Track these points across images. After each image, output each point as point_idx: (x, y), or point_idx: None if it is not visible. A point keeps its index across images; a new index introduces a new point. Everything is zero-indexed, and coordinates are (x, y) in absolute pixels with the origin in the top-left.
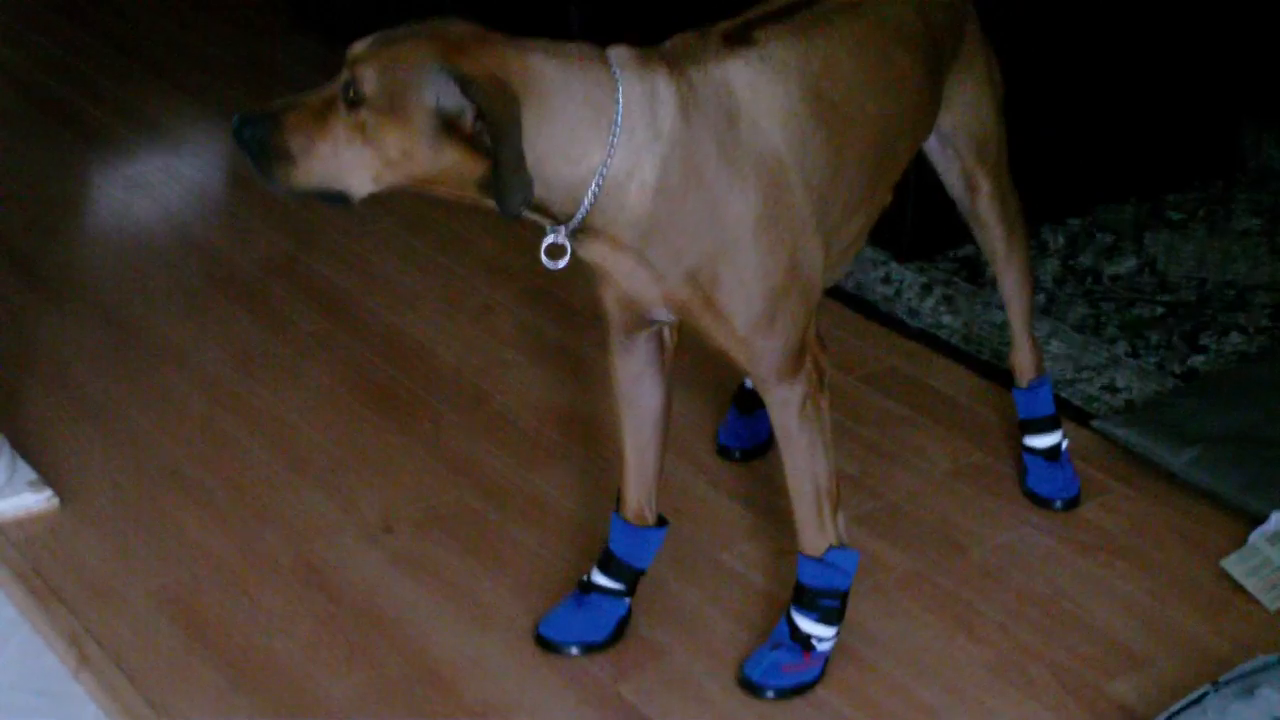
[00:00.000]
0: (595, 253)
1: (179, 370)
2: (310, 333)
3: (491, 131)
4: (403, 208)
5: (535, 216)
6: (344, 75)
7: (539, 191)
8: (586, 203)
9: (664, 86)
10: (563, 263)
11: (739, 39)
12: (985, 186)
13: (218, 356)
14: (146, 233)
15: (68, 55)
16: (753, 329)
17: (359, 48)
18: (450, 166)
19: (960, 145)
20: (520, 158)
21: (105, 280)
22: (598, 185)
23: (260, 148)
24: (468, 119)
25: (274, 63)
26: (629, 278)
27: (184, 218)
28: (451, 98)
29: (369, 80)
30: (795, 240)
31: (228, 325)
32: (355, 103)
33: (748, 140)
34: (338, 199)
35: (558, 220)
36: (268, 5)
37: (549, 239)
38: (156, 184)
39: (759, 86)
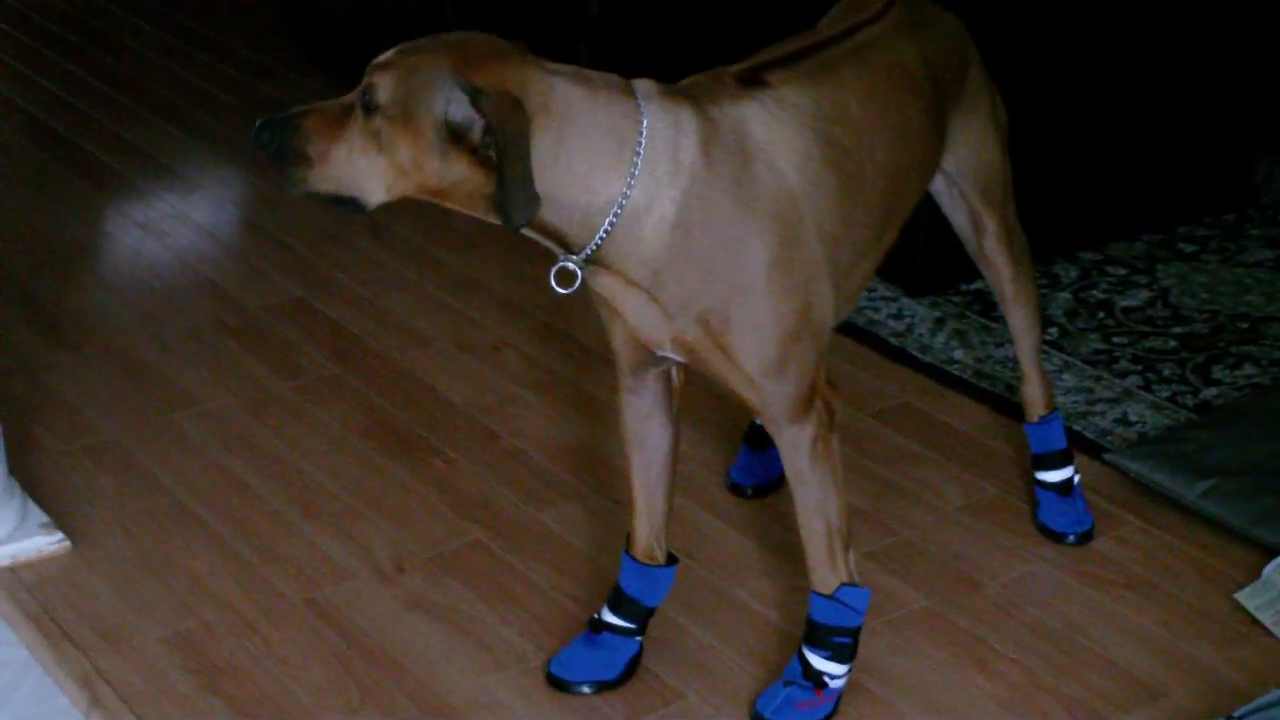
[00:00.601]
0: (605, 286)
1: (190, 414)
2: (320, 376)
3: (498, 145)
4: (413, 248)
5: (548, 243)
6: (363, 82)
7: (553, 217)
8: (602, 233)
9: (687, 121)
10: (572, 289)
11: (753, 81)
12: (991, 226)
13: (228, 400)
14: (157, 276)
15: (76, 98)
16: (764, 373)
17: (381, 57)
18: (459, 179)
19: (966, 186)
20: (527, 173)
21: (116, 324)
22: (615, 216)
23: (279, 150)
24: (476, 132)
25: (282, 103)
26: (638, 315)
27: (195, 261)
28: (461, 109)
29: (384, 88)
30: (808, 284)
31: (238, 368)
32: (371, 110)
33: (765, 181)
34: (352, 205)
35: (570, 248)
36: (273, 46)
37: (560, 264)
38: (167, 228)
39: (775, 128)
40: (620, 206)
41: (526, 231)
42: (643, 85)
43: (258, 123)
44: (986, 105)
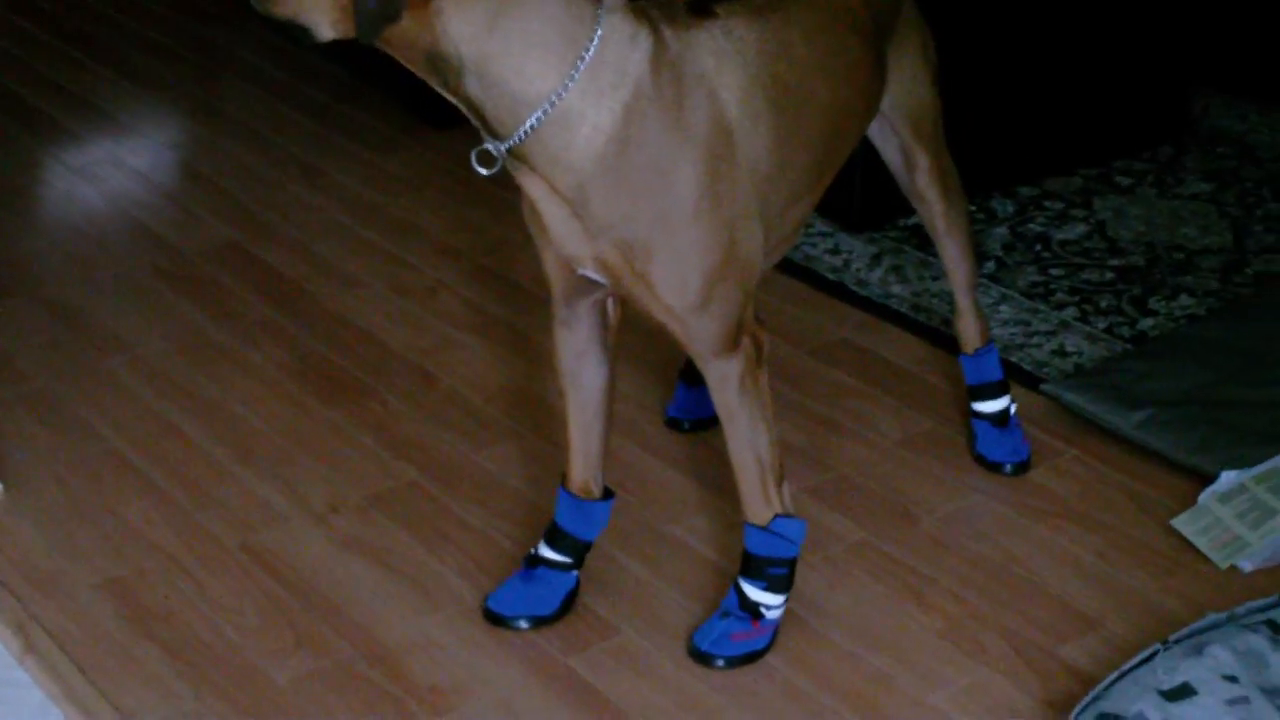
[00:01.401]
0: (532, 187)
1: (123, 360)
2: (256, 320)
3: None
4: (349, 193)
5: (475, 120)
6: None
7: (478, 91)
8: (528, 125)
9: (644, 39)
10: (492, 170)
11: (701, 12)
12: (924, 162)
13: (163, 346)
14: (91, 222)
15: (8, 43)
16: (686, 308)
17: None
18: (393, 27)
19: (898, 122)
20: None
21: (49, 270)
22: (544, 112)
23: None
24: None
25: (225, 48)
26: (560, 227)
27: (128, 206)
28: None
29: None
30: (736, 220)
31: (173, 314)
32: None
33: (704, 109)
34: (305, 34)
35: (494, 133)
36: None
37: (483, 146)
38: (102, 173)
39: (720, 59)
40: (551, 104)
41: (454, 101)
42: None
43: None
44: (918, 42)
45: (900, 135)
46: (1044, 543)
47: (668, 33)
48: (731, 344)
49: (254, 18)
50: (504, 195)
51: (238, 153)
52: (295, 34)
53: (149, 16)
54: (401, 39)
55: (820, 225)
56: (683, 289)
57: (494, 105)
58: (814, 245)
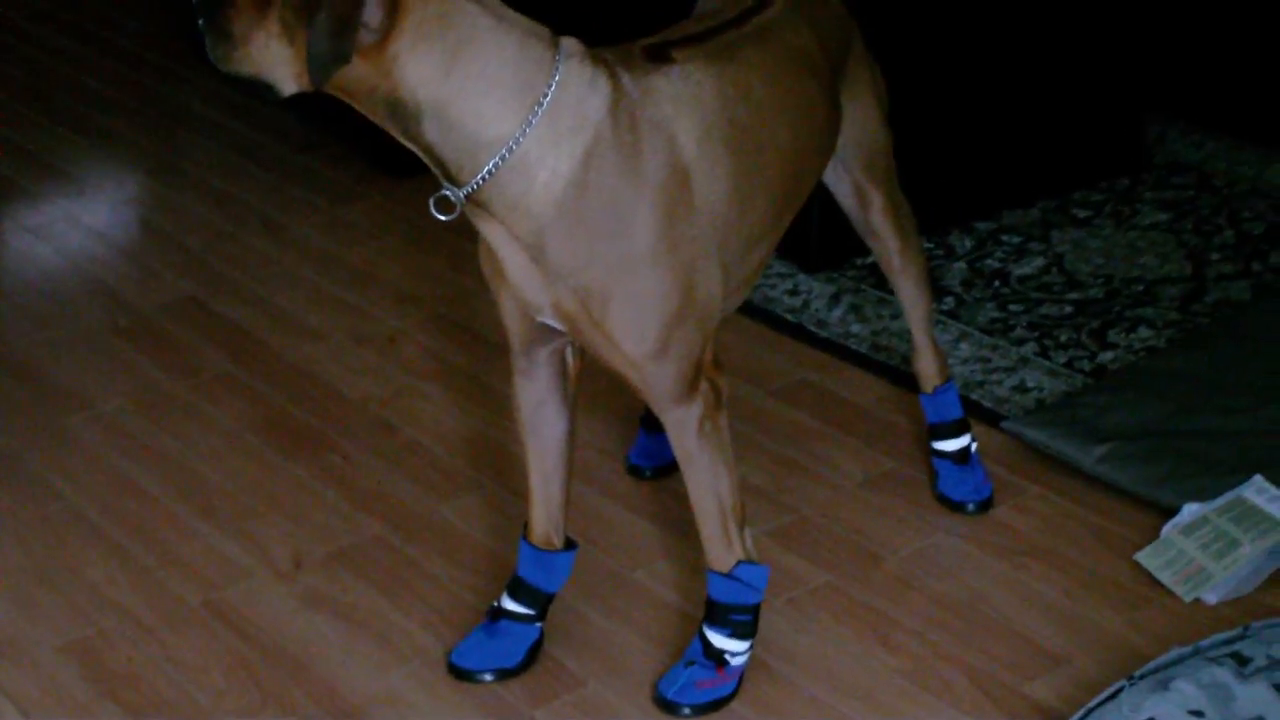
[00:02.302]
0: (491, 234)
1: (84, 418)
2: (215, 375)
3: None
4: (307, 245)
5: (434, 168)
6: None
7: (435, 135)
8: (485, 171)
9: (602, 83)
10: (450, 217)
11: (658, 57)
12: (877, 199)
13: (123, 403)
14: (49, 280)
15: None
16: (644, 355)
17: None
18: (350, 73)
19: (850, 160)
20: (336, 24)
21: (7, 329)
22: (502, 157)
23: (210, 25)
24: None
25: (180, 102)
26: (520, 273)
27: (86, 263)
28: None
29: None
30: (693, 265)
31: (133, 371)
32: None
33: (663, 154)
34: (269, 90)
35: (453, 179)
36: (165, 44)
37: (441, 193)
38: (59, 231)
39: (679, 104)
40: (509, 149)
41: (413, 148)
42: (567, 42)
43: None
44: (868, 80)
45: (853, 174)
46: (1008, 580)
47: (625, 78)
48: (690, 390)
49: (209, 73)
50: (463, 244)
51: (195, 207)
52: (259, 90)
53: (103, 73)
54: (360, 86)
55: (778, 265)
56: (640, 335)
57: (453, 150)
58: (773, 286)
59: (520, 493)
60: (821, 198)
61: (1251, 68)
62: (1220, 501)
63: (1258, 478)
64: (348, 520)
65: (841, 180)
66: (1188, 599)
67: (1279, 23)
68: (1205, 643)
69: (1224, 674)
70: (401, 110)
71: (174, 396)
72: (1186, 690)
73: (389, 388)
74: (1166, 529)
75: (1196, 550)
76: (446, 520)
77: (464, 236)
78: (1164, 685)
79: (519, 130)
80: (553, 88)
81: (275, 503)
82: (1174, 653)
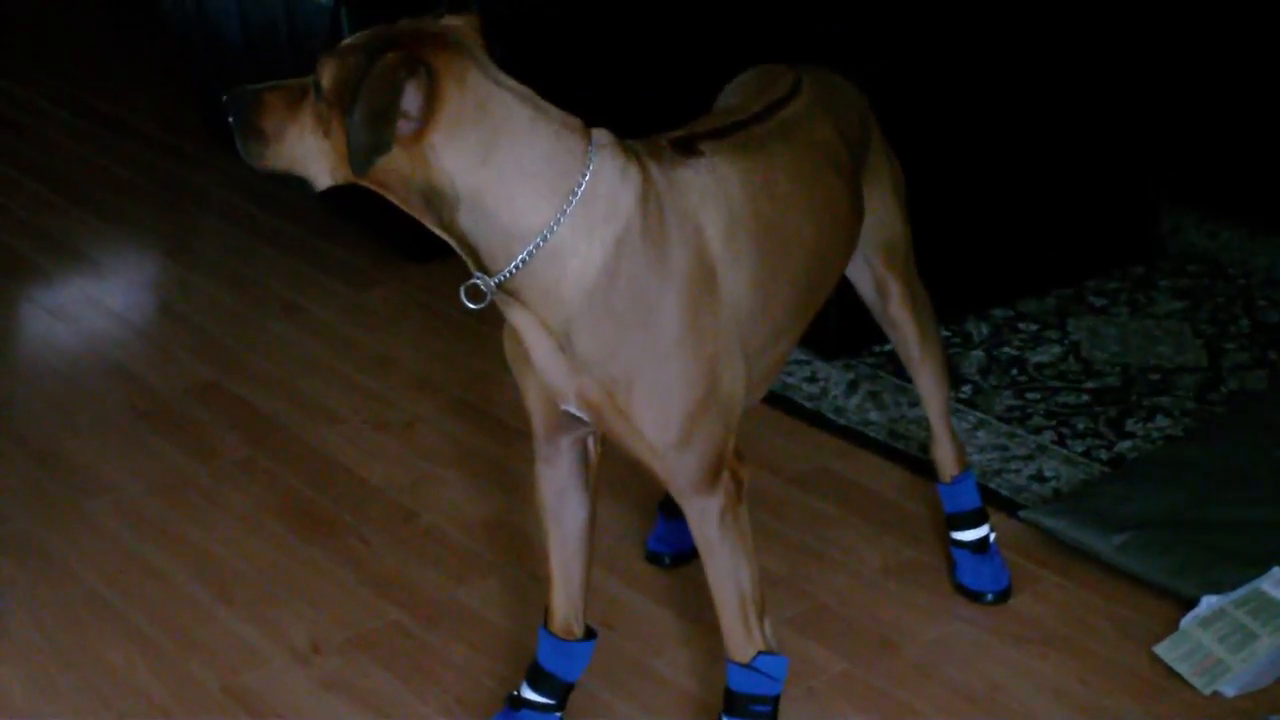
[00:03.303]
0: (519, 320)
1: (103, 502)
2: (234, 459)
3: (355, 82)
4: (326, 329)
5: (466, 258)
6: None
7: (470, 224)
8: (519, 260)
9: (633, 174)
10: (481, 305)
11: (687, 149)
12: (896, 289)
13: (141, 487)
14: (68, 363)
15: None
16: (668, 445)
17: (345, 41)
18: (387, 165)
19: (870, 251)
20: (375, 114)
21: (27, 413)
22: (536, 247)
23: (241, 124)
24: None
25: (198, 185)
26: (545, 361)
27: (105, 346)
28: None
29: (326, 72)
30: (717, 357)
31: (151, 455)
32: (319, 94)
33: (691, 245)
34: (303, 184)
35: (485, 268)
36: (182, 126)
37: (472, 281)
38: (77, 313)
39: (705, 197)
40: (544, 239)
41: (446, 238)
42: (599, 133)
43: (225, 95)
44: (887, 171)
45: (872, 264)
46: (1027, 670)
47: (654, 169)
48: (712, 480)
49: (227, 156)
50: (481, 329)
51: (214, 290)
52: (296, 183)
53: (122, 156)
54: (396, 176)
55: (797, 352)
56: (664, 425)
57: (486, 239)
58: (791, 373)
59: (539, 577)
60: (841, 286)
61: (1266, 158)
62: (1238, 594)
63: (1276, 570)
64: (366, 605)
65: (861, 270)
66: (1206, 691)
67: None
68: None
69: None
70: (437, 199)
71: (193, 480)
72: None
73: (408, 473)
74: (1185, 621)
75: (1214, 643)
76: (465, 605)
77: (482, 322)
78: None
79: (553, 219)
80: (587, 178)
81: (294, 587)
82: None
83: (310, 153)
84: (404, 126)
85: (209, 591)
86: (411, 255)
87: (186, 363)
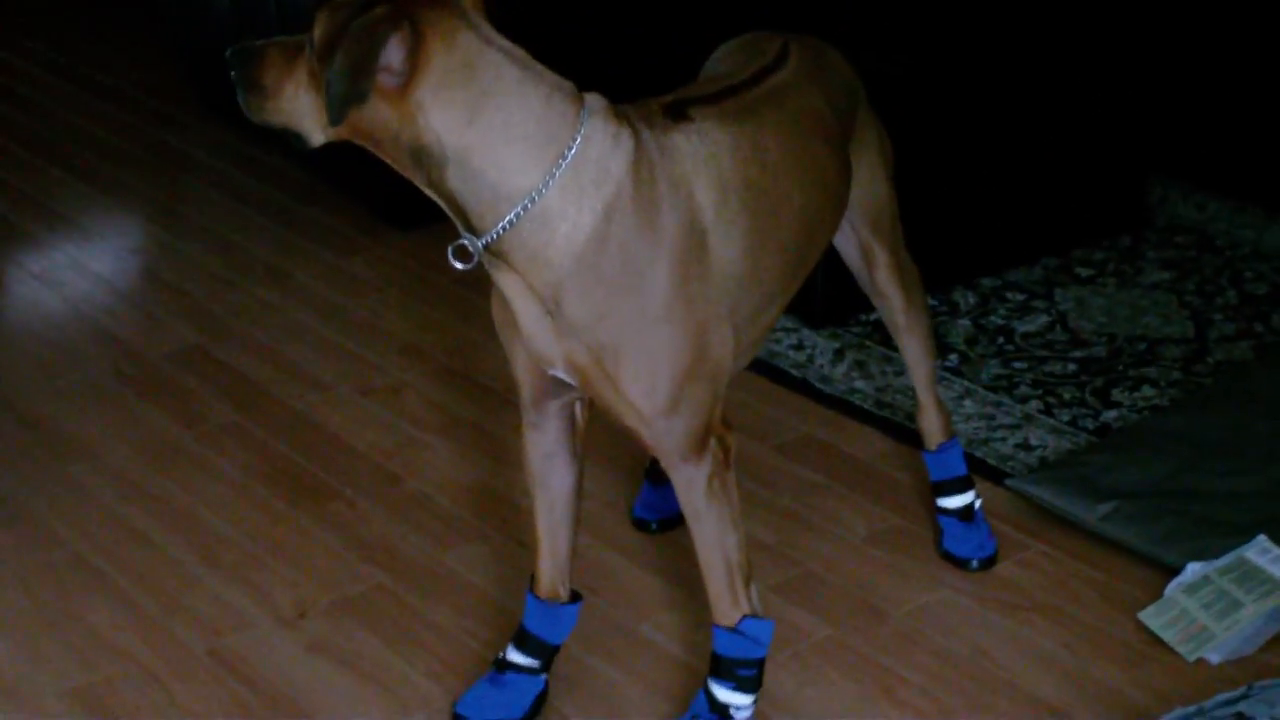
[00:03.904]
0: (507, 284)
1: (88, 466)
2: (220, 424)
3: (336, 35)
4: (312, 295)
5: (454, 216)
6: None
7: (458, 183)
8: (506, 222)
9: (625, 139)
10: (468, 266)
11: (678, 115)
12: (882, 258)
13: (127, 452)
14: (54, 328)
15: None
16: (655, 411)
17: None
18: (376, 120)
19: (856, 220)
20: (353, 66)
21: (11, 377)
22: (524, 208)
23: (242, 78)
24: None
25: (183, 152)
26: (533, 325)
27: (91, 311)
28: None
29: (318, 26)
30: (706, 323)
31: (137, 419)
32: (312, 48)
33: (681, 211)
34: (298, 140)
35: (473, 229)
36: (174, 94)
37: (460, 241)
38: (63, 278)
39: (697, 162)
40: (532, 201)
41: (435, 197)
42: (591, 98)
43: (228, 50)
44: (874, 139)
45: (859, 232)
46: (1012, 637)
47: (645, 134)
48: (700, 447)
49: (214, 121)
50: (468, 296)
51: (200, 256)
52: (289, 140)
53: (110, 122)
54: (385, 132)
55: (784, 321)
56: (651, 391)
57: (475, 199)
58: (778, 341)
59: (525, 543)
60: (826, 254)
61: (1253, 130)
62: (1223, 561)
63: (1261, 538)
64: (352, 569)
65: (848, 239)
66: (1191, 658)
67: None
68: (1209, 703)
69: None
70: (426, 158)
71: (178, 445)
72: None
73: (394, 438)
74: (1170, 588)
75: (1199, 610)
76: (451, 570)
77: (468, 288)
78: None
79: (542, 182)
80: (577, 141)
81: (280, 551)
82: (1177, 712)
83: (304, 108)
84: (387, 80)
85: (195, 555)
86: (397, 222)
87: (172, 328)
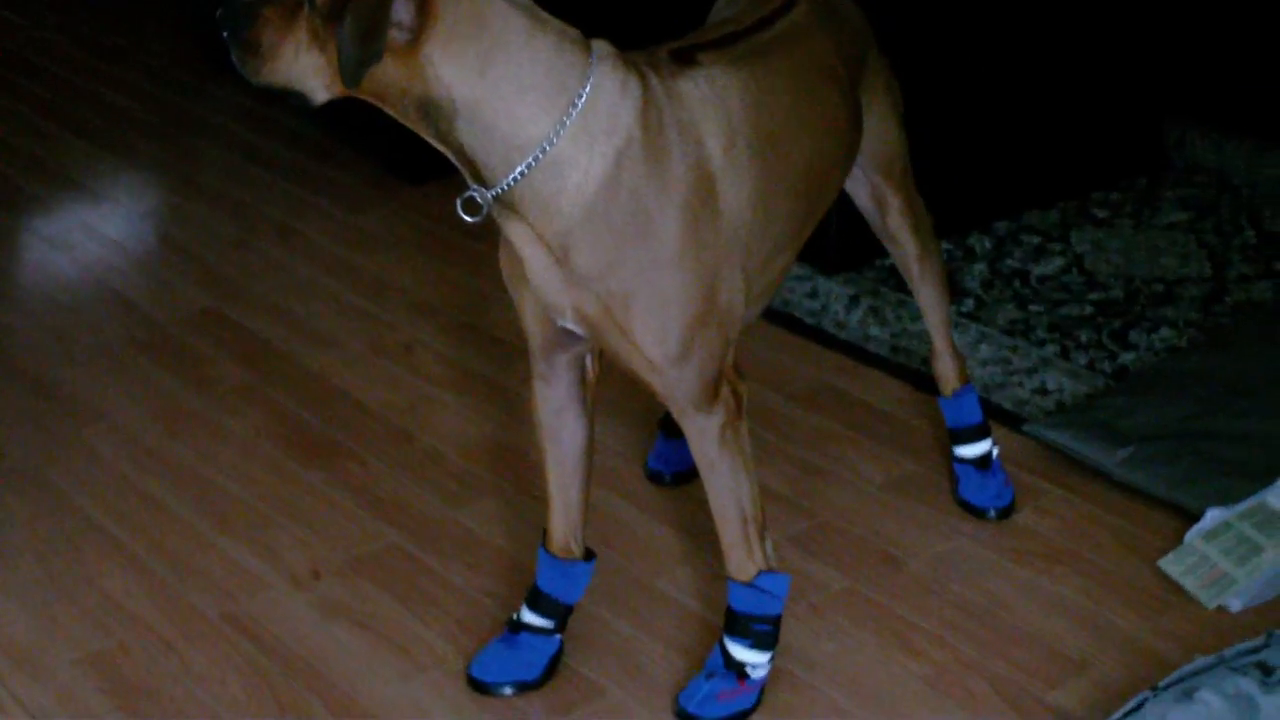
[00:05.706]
0: (516, 234)
1: (101, 430)
2: (233, 386)
3: (328, 3)
4: (324, 253)
5: (464, 169)
6: None
7: (469, 136)
8: (518, 172)
9: (634, 87)
10: (477, 218)
11: (686, 60)
12: (895, 203)
13: (140, 415)
14: (66, 292)
15: None
16: (666, 359)
17: None
18: (383, 77)
19: (867, 165)
20: (368, 26)
21: (23, 342)
22: (535, 159)
23: (236, 38)
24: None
25: (193, 115)
26: (543, 275)
27: (103, 275)
28: None
29: None
30: (717, 270)
31: (149, 383)
32: (314, 6)
33: (691, 157)
34: (300, 99)
35: (484, 180)
36: (184, 57)
37: (468, 194)
38: (76, 242)
39: (705, 108)
40: (543, 150)
41: (444, 150)
42: (599, 45)
43: (218, 9)
44: (884, 84)
45: (870, 178)
46: (1030, 585)
47: (654, 81)
48: (711, 396)
49: (223, 82)
50: (480, 250)
51: (211, 218)
52: (291, 100)
53: (118, 85)
54: (393, 89)
55: (797, 268)
56: (663, 339)
57: (485, 151)
58: (791, 289)
59: (539, 498)
60: (840, 200)
61: (1273, 71)
62: (1243, 506)
63: None
64: (366, 529)
65: (860, 184)
66: (1210, 605)
67: None
68: (1229, 651)
69: (1248, 684)
70: (435, 111)
71: (191, 407)
72: (1211, 701)
73: (407, 395)
74: (1189, 535)
75: (1219, 556)
76: (465, 527)
77: (481, 241)
78: (1188, 696)
79: (552, 131)
80: (587, 89)
81: (292, 512)
82: (1198, 662)
83: (306, 67)
84: (397, 37)
85: (208, 519)
86: (408, 178)
87: (184, 290)
